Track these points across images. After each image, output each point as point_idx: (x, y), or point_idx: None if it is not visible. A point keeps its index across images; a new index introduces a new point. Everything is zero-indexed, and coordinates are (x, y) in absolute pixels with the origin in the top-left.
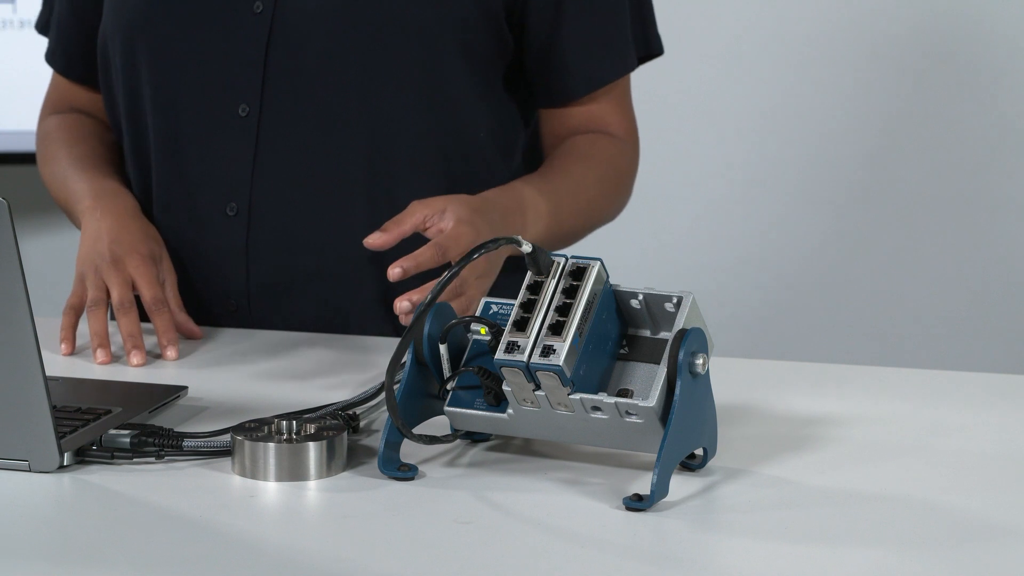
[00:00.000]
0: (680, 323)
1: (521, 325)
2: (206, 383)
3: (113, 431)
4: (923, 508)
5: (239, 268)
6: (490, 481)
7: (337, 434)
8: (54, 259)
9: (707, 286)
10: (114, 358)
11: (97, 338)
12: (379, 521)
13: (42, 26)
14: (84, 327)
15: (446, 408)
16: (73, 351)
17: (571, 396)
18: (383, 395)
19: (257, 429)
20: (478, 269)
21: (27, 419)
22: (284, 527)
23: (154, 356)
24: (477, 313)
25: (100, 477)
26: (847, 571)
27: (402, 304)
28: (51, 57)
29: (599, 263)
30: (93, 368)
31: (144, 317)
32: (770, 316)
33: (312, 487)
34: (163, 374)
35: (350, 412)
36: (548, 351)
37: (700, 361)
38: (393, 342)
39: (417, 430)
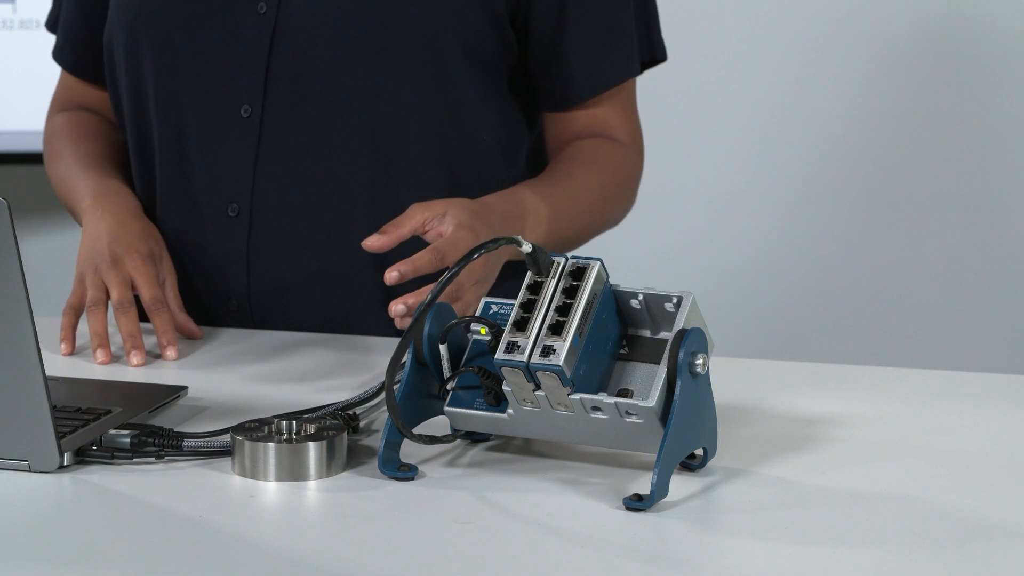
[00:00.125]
0: (680, 323)
1: (521, 325)
2: (206, 383)
3: (113, 431)
4: (923, 508)
5: (240, 269)
6: (490, 481)
7: (337, 434)
8: (54, 259)
9: (707, 286)
10: (114, 358)
11: (97, 338)
12: (379, 521)
13: (51, 24)
14: (84, 327)
15: (446, 408)
16: (73, 351)
17: (571, 396)
18: (383, 395)
19: (257, 429)
20: (475, 274)
21: (27, 419)
22: (284, 527)
23: (154, 356)
24: (477, 313)
25: (100, 477)
26: (847, 571)
27: (397, 307)
28: (59, 55)
29: (599, 263)
30: (93, 368)
31: (144, 317)
32: (770, 316)
33: (312, 487)
34: (163, 374)
35: (350, 412)
36: (548, 351)
37: (700, 361)
38: (393, 342)
39: (417, 430)
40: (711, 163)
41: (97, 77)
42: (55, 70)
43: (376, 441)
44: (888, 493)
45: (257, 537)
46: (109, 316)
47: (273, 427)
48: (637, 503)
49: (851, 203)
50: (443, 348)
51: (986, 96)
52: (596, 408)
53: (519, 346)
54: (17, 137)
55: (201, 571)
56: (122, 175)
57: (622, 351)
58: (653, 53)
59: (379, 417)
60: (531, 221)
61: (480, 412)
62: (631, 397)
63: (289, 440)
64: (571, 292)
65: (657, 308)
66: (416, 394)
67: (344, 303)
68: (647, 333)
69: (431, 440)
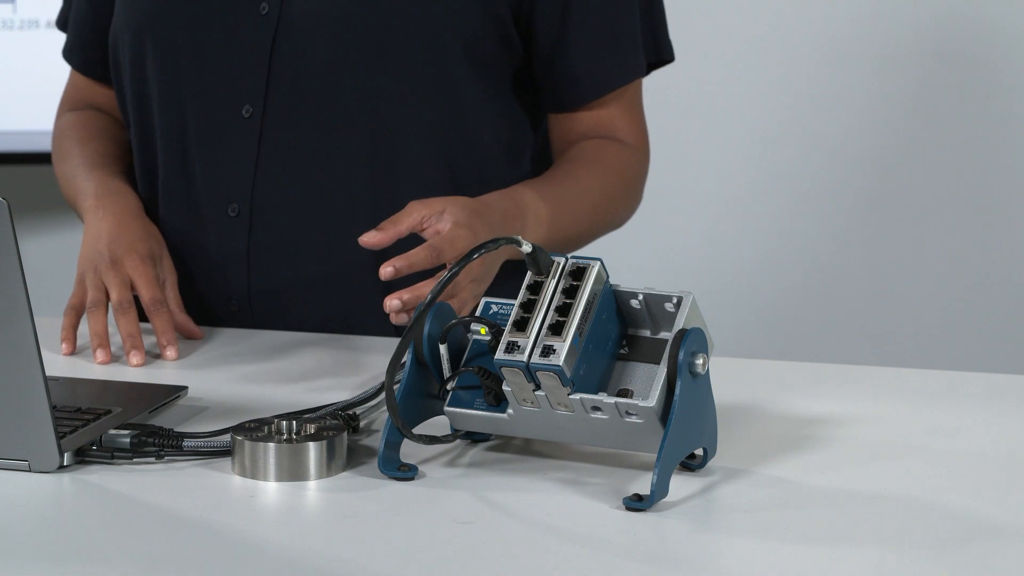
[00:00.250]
0: (680, 323)
1: (521, 325)
2: (206, 383)
3: (113, 431)
4: (923, 508)
5: (240, 269)
6: (490, 481)
7: (337, 434)
8: (54, 259)
9: (707, 286)
10: (114, 358)
11: (97, 338)
12: (379, 521)
13: (61, 22)
14: (85, 327)
15: (446, 408)
16: (74, 351)
17: (571, 396)
18: (383, 395)
19: (257, 429)
20: (473, 272)
21: (27, 419)
22: (284, 527)
23: (153, 356)
24: (477, 313)
25: (100, 477)
26: (847, 571)
27: (392, 303)
28: (68, 54)
29: (599, 263)
30: (93, 368)
31: (144, 317)
32: (770, 316)
33: (312, 487)
34: (163, 374)
35: (350, 412)
36: (548, 351)
37: (700, 361)
38: (393, 342)
39: (417, 430)
40: (711, 163)
41: (106, 76)
42: (55, 70)
43: (376, 441)
44: (888, 493)
45: (257, 537)
46: (109, 317)
47: (273, 427)
48: (637, 503)
49: (851, 203)
50: (443, 348)
51: (986, 96)
52: (596, 408)
53: (519, 346)
54: (17, 137)
55: (201, 571)
56: (127, 175)
57: (622, 351)
58: (660, 54)
59: (379, 417)
60: (531, 221)
61: (480, 412)
62: (631, 397)
63: (289, 440)
64: (571, 292)
65: (657, 308)
66: (416, 394)
67: (344, 303)
68: (647, 333)
69: (431, 440)
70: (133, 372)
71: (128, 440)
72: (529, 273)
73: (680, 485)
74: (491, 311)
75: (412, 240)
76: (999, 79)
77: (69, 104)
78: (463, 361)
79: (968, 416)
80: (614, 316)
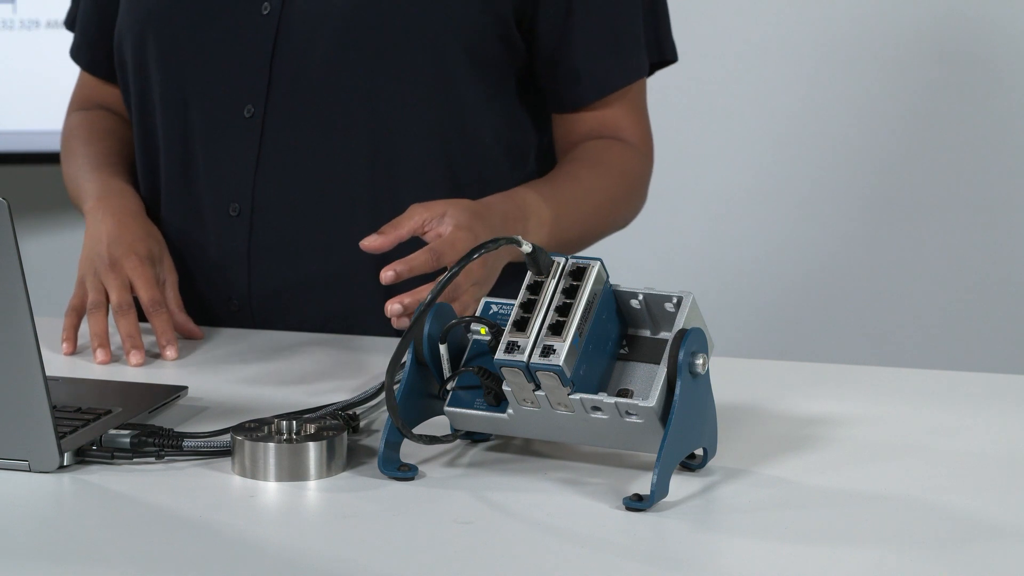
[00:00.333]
0: (680, 323)
1: (521, 325)
2: (206, 383)
3: (113, 431)
4: (923, 508)
5: (241, 269)
6: (490, 481)
7: (337, 434)
8: (54, 259)
9: (707, 286)
10: (114, 358)
11: (97, 339)
12: (379, 521)
13: (69, 22)
14: (86, 327)
15: (446, 408)
16: (74, 351)
17: (571, 396)
18: (383, 395)
19: (257, 429)
20: (474, 275)
21: (27, 419)
22: (284, 527)
23: (153, 356)
24: (477, 313)
25: (100, 477)
26: (847, 571)
27: (393, 307)
28: (76, 53)
29: (599, 263)
30: (93, 368)
31: (145, 318)
32: (770, 316)
33: (312, 487)
34: (163, 374)
35: (350, 412)
36: (548, 351)
37: (700, 361)
38: (393, 342)
39: (417, 430)
40: (711, 163)
41: (113, 76)
42: (55, 70)
43: (376, 441)
44: (888, 493)
45: (257, 537)
46: (109, 318)
47: (273, 427)
48: (637, 503)
49: (851, 203)
50: (443, 348)
51: (985, 96)
52: (596, 408)
53: (519, 346)
54: (17, 137)
55: (201, 571)
56: (131, 175)
57: (622, 351)
58: (663, 54)
59: (379, 417)
60: (533, 222)
61: (480, 412)
62: (631, 397)
63: (289, 440)
64: (571, 292)
65: (657, 308)
66: (416, 394)
67: (345, 304)
68: (647, 333)
69: (431, 440)
70: (133, 372)
71: (128, 440)
72: (529, 273)
73: (680, 485)
74: (491, 311)
75: (414, 243)
76: (999, 79)
77: (78, 104)
78: (463, 361)
79: (968, 416)
80: (614, 316)
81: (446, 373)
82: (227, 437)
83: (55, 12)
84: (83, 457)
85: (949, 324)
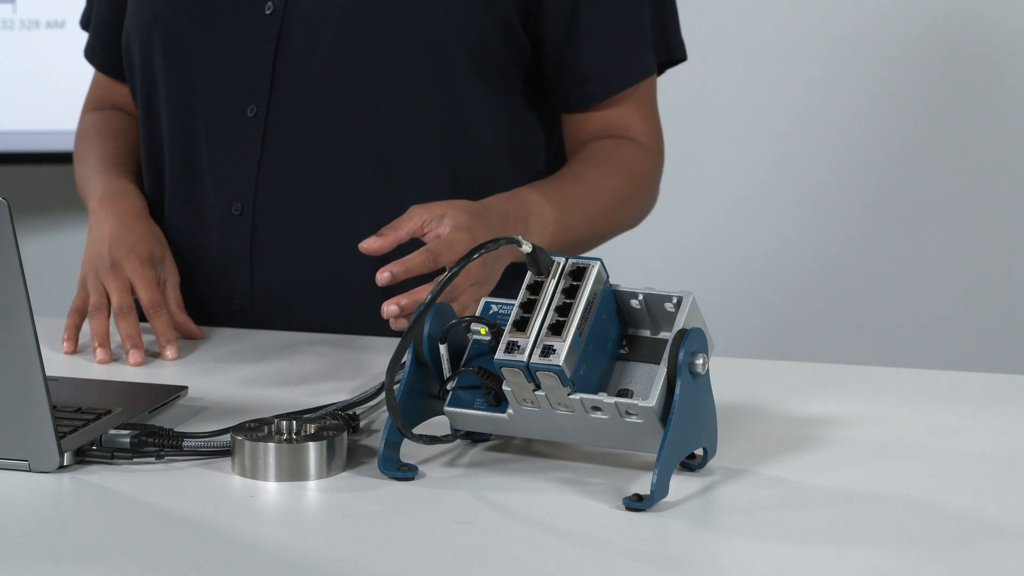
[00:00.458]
0: (680, 323)
1: (521, 325)
2: (206, 383)
3: (113, 431)
4: (923, 508)
5: (243, 269)
6: (490, 481)
7: (337, 434)
8: (54, 259)
9: (707, 286)
10: (114, 358)
11: (97, 338)
12: (379, 521)
13: (84, 22)
14: (87, 327)
15: (446, 408)
16: (75, 350)
17: (571, 396)
18: (383, 395)
19: (257, 429)
20: (473, 275)
21: (27, 419)
22: (284, 527)
23: (153, 356)
24: (477, 313)
25: (100, 477)
26: (847, 571)
27: (390, 308)
28: (90, 54)
29: (599, 263)
30: (93, 368)
31: (145, 319)
32: (770, 316)
33: (312, 487)
34: (163, 374)
35: (350, 412)
36: (548, 351)
37: (700, 361)
38: (393, 342)
39: (417, 430)
40: (711, 163)
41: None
42: (55, 70)
43: (376, 441)
44: (888, 493)
45: (257, 537)
46: (110, 319)
47: (273, 427)
48: (637, 503)
49: (851, 204)
50: (443, 348)
51: (986, 97)
52: (596, 408)
53: (519, 346)
54: (17, 137)
55: (201, 571)
56: (139, 175)
57: (622, 351)
58: (671, 53)
59: (379, 417)
60: (535, 223)
61: (480, 412)
62: (631, 397)
63: (289, 440)
64: (571, 292)
65: (657, 308)
66: (416, 394)
67: (346, 304)
68: (647, 333)
69: (431, 440)
70: (133, 372)
71: (128, 440)
72: (529, 273)
73: (680, 485)
74: (491, 311)
75: (414, 244)
76: (1001, 80)
77: (92, 104)
78: (463, 361)
79: (968, 416)
80: (614, 316)
81: (446, 373)
82: (227, 437)
83: (55, 12)
84: (83, 457)
85: (949, 324)
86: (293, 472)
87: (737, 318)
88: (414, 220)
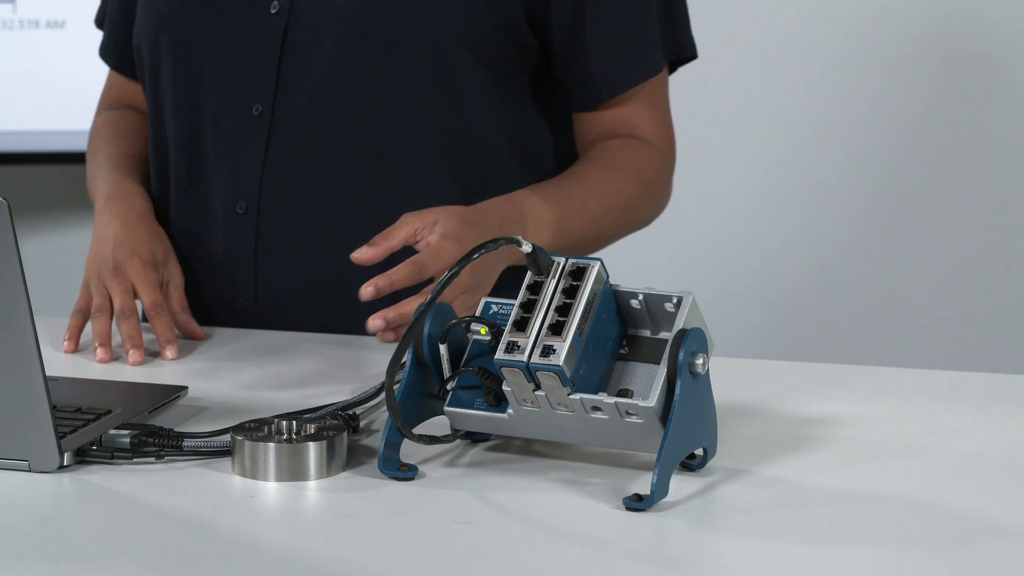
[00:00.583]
0: (680, 323)
1: (521, 325)
2: (206, 383)
3: (113, 431)
4: (923, 508)
5: (248, 268)
6: (490, 481)
7: (337, 434)
8: (54, 259)
9: (708, 286)
10: (114, 357)
11: (98, 338)
12: (379, 521)
13: (99, 21)
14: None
15: (446, 408)
16: (76, 349)
17: (571, 396)
18: (383, 395)
19: (257, 429)
20: (462, 283)
21: (27, 419)
22: (284, 527)
23: (153, 355)
24: (477, 313)
25: (100, 477)
26: (847, 571)
27: (375, 323)
28: (105, 52)
29: (599, 263)
30: (93, 368)
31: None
32: (770, 316)
33: (312, 487)
34: (163, 374)
35: (350, 412)
36: (548, 351)
37: (700, 361)
38: (393, 342)
39: (417, 430)
40: (712, 164)
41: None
42: (55, 70)
43: (376, 441)
44: (888, 493)
45: (257, 537)
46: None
47: (273, 427)
48: (637, 503)
49: (851, 204)
50: (443, 348)
51: (986, 97)
52: (596, 408)
53: (519, 346)
54: (17, 137)
55: (201, 571)
56: (148, 176)
57: (622, 351)
58: (681, 51)
59: (379, 417)
60: (533, 225)
61: (480, 412)
62: (631, 397)
63: (289, 440)
64: (571, 292)
65: (657, 308)
66: (416, 394)
67: (347, 304)
68: (647, 333)
69: (431, 440)
70: (133, 372)
71: (128, 440)
72: (529, 273)
73: (680, 485)
74: (491, 311)
75: (406, 252)
76: (1002, 80)
77: (106, 103)
78: (463, 361)
79: (968, 416)
80: (614, 316)
81: (446, 373)
82: (227, 437)
83: (55, 12)
84: (83, 457)
85: (949, 324)
86: (293, 472)
87: (737, 318)
88: (406, 228)
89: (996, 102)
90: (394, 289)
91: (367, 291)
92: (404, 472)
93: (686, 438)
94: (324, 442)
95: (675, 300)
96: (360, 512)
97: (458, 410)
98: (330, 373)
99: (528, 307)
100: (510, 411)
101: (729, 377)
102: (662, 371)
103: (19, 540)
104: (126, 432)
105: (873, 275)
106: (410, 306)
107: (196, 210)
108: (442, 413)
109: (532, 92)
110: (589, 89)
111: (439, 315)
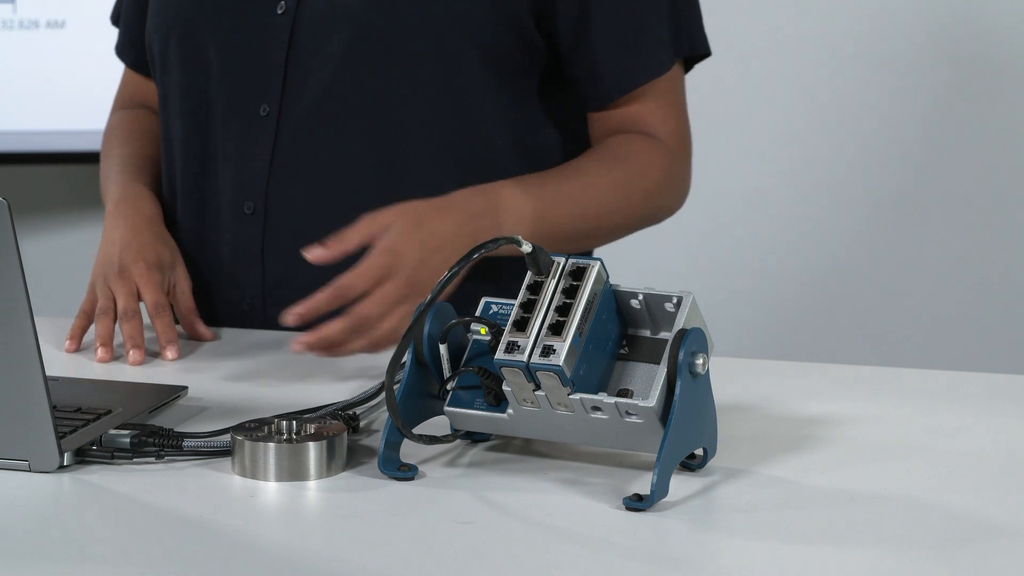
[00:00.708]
0: (680, 323)
1: (521, 325)
2: (206, 383)
3: (113, 431)
4: (923, 508)
5: (255, 269)
6: (490, 481)
7: (337, 434)
8: (54, 259)
9: (708, 286)
10: (114, 357)
11: (100, 339)
12: (379, 521)
13: (115, 18)
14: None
15: (446, 408)
16: (78, 349)
17: (571, 396)
18: (383, 395)
19: (257, 429)
20: (391, 297)
21: (27, 419)
22: (284, 527)
23: (153, 355)
24: (477, 313)
25: (100, 477)
26: (847, 571)
27: (295, 348)
28: (121, 51)
29: (599, 263)
30: (93, 368)
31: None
32: (771, 316)
33: (312, 487)
34: (163, 374)
35: (350, 412)
36: (548, 351)
37: (700, 361)
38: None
39: (417, 430)
40: (712, 163)
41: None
42: (55, 70)
43: (376, 441)
44: (888, 493)
45: (257, 537)
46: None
47: (273, 427)
48: (637, 503)
49: (851, 204)
50: (443, 348)
51: (986, 97)
52: (596, 408)
53: (519, 346)
54: (17, 137)
55: (201, 571)
56: (158, 177)
57: (622, 351)
58: (693, 48)
59: (379, 417)
60: (507, 217)
61: (480, 412)
62: (631, 397)
63: (289, 440)
64: (571, 292)
65: (657, 308)
66: (416, 394)
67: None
68: (647, 333)
69: (431, 440)
70: (133, 372)
71: (128, 440)
72: (529, 273)
73: (680, 485)
74: (491, 311)
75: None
76: (1003, 81)
77: (121, 102)
78: (463, 361)
79: (968, 416)
80: (614, 316)
81: (446, 373)
82: (227, 437)
83: (55, 12)
84: (83, 457)
85: (949, 324)
86: (293, 472)
87: (737, 318)
88: (362, 231)
89: (996, 102)
90: (316, 315)
91: (288, 319)
92: (404, 472)
93: (686, 438)
94: (324, 442)
95: (675, 300)
96: (360, 512)
97: (458, 410)
98: (330, 373)
99: (528, 307)
100: (510, 411)
101: (729, 377)
102: (662, 371)
103: (19, 540)
104: (126, 432)
105: (873, 275)
106: (328, 330)
107: (203, 209)
108: (442, 413)
109: (539, 92)
110: (598, 88)
111: (439, 315)
